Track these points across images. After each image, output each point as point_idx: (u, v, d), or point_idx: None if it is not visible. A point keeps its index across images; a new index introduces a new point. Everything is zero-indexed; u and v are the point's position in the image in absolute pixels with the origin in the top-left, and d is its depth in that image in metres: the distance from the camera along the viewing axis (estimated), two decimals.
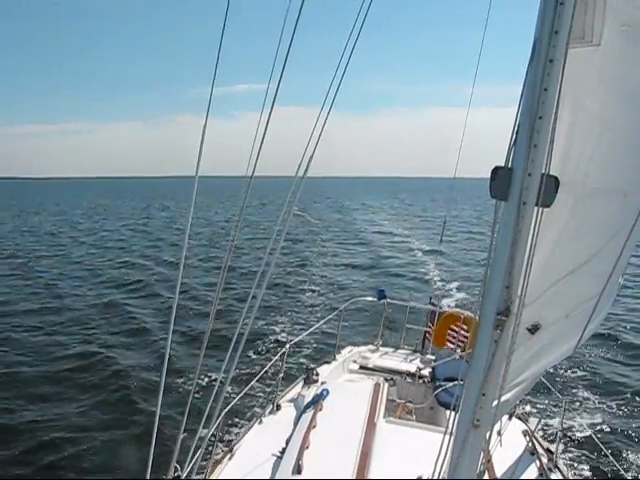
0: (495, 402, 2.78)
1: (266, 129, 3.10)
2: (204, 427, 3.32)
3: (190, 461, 3.22)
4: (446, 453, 2.90)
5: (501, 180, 2.52)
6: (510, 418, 6.17)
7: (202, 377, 3.36)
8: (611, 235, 2.92)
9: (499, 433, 3.99)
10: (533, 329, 3.03)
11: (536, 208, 2.51)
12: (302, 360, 13.58)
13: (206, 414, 3.19)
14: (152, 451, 3.17)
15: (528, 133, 2.43)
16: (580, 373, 14.15)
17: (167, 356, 3.53)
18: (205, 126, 3.24)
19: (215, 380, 3.10)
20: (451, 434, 2.88)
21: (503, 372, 2.70)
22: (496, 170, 2.53)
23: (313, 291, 23.51)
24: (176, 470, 3.44)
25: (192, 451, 3.16)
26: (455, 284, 24.92)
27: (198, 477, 4.41)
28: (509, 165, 2.51)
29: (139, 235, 45.98)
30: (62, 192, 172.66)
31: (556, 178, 2.49)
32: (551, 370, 12.71)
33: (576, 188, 2.78)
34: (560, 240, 2.92)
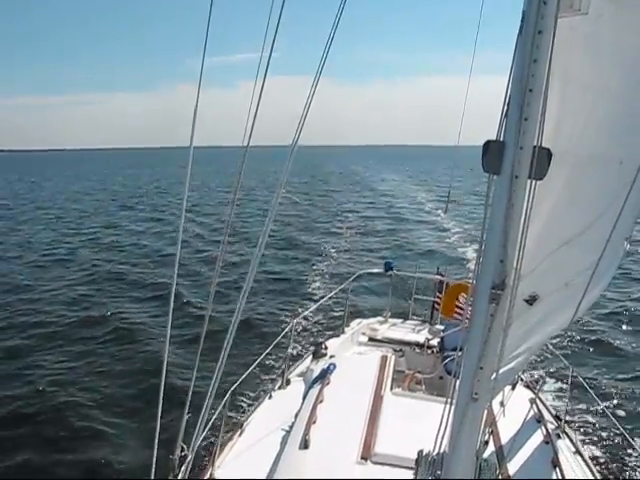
0: (494, 375, 2.80)
1: (260, 98, 3.09)
2: (212, 405, 3.36)
3: (195, 440, 3.27)
4: (446, 425, 2.93)
5: (493, 154, 2.50)
6: (513, 388, 6.21)
7: (205, 354, 3.40)
8: (609, 202, 2.90)
9: (502, 404, 4.03)
10: (531, 300, 3.04)
11: (529, 181, 2.49)
12: (311, 334, 13.68)
13: (209, 392, 3.23)
14: (156, 441, 3.21)
15: (519, 106, 2.40)
16: (589, 340, 14.19)
17: (168, 338, 3.57)
18: (198, 98, 3.25)
19: (217, 358, 3.14)
20: (451, 405, 2.91)
21: (500, 345, 2.71)
22: (488, 144, 2.51)
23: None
24: (182, 450, 3.49)
25: (197, 430, 3.20)
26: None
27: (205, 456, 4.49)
28: (501, 138, 2.50)
29: None
30: (81, 164, 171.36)
31: (549, 150, 2.47)
32: (559, 337, 12.78)
33: (570, 158, 2.76)
34: (555, 211, 2.91)
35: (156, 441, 3.30)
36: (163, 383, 3.45)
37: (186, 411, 3.39)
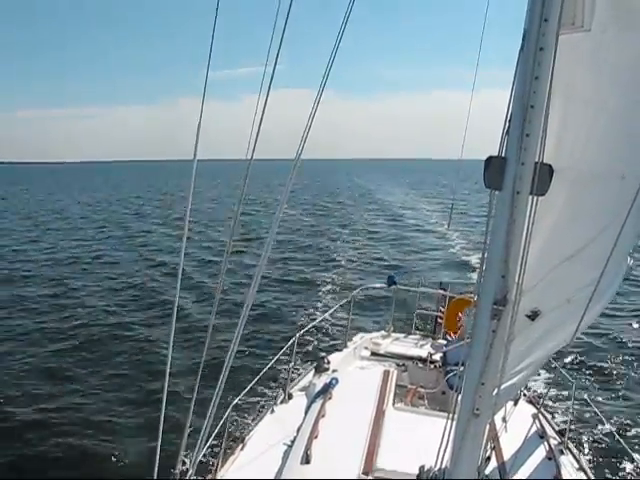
0: (495, 390, 2.79)
1: (264, 111, 3.12)
2: (214, 419, 3.35)
3: (197, 454, 3.26)
4: (448, 440, 2.91)
5: (494, 170, 2.51)
6: (516, 403, 6.17)
7: (206, 367, 3.44)
8: (610, 219, 2.89)
9: (504, 419, 4.01)
10: (533, 316, 3.03)
11: (530, 196, 2.50)
12: (314, 348, 13.65)
13: (211, 405, 3.22)
14: (159, 446, 3.22)
15: (520, 122, 2.42)
16: (592, 355, 14.11)
17: (171, 346, 3.57)
18: (202, 110, 3.28)
19: (220, 370, 3.16)
20: (453, 420, 2.90)
21: (502, 361, 2.71)
22: (489, 160, 2.53)
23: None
24: (184, 464, 3.48)
25: (199, 444, 3.19)
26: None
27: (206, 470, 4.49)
28: (502, 154, 2.51)
29: None
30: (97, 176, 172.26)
31: (550, 166, 2.48)
32: (562, 353, 12.71)
33: (571, 174, 2.76)
34: (557, 227, 2.91)
35: (158, 448, 3.31)
36: (165, 393, 3.46)
37: (188, 424, 3.38)
